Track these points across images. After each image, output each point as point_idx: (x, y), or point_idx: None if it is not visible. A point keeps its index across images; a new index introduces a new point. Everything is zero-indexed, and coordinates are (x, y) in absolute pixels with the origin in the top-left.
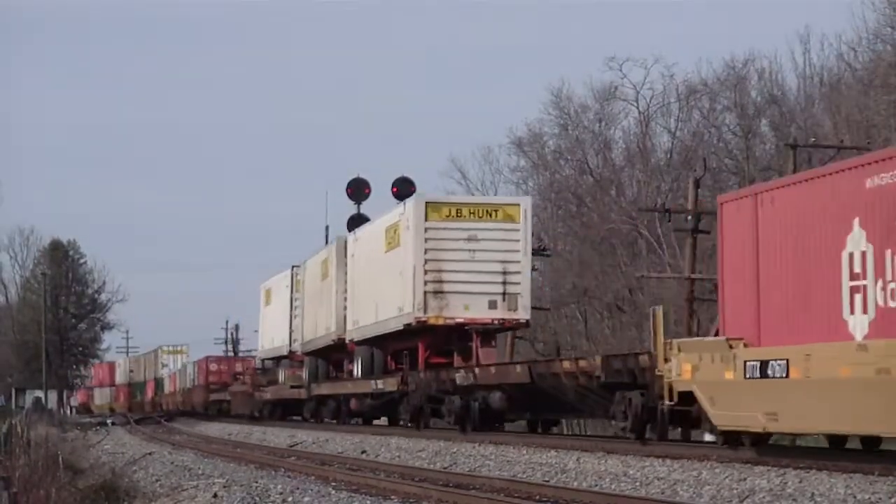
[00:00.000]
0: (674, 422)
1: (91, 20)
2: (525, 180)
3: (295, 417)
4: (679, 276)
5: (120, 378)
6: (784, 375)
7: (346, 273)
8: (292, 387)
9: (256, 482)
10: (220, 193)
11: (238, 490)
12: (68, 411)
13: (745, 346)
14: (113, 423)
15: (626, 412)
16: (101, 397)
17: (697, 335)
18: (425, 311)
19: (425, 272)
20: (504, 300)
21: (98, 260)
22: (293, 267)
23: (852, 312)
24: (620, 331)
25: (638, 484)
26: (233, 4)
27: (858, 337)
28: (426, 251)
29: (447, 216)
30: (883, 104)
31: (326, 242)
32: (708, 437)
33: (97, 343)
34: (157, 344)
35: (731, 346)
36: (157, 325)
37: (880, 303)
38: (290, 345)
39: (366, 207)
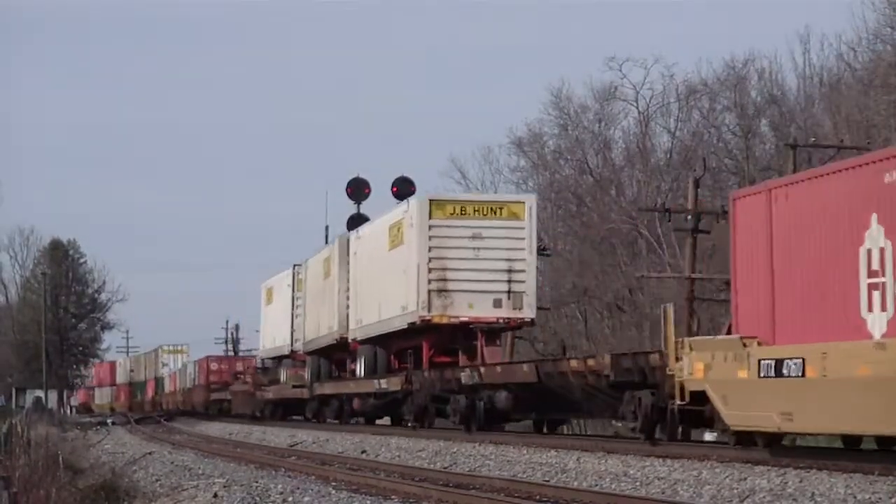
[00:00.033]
0: (684, 422)
1: (91, 20)
2: (525, 180)
3: (296, 417)
4: (679, 276)
5: (121, 377)
6: (800, 374)
7: (348, 272)
8: (294, 386)
9: (257, 482)
10: (220, 193)
11: (238, 490)
12: (68, 411)
13: (760, 344)
14: (113, 423)
15: (636, 412)
16: (101, 397)
17: (697, 335)
18: (429, 310)
19: (429, 270)
20: (509, 299)
21: (98, 260)
22: (294, 266)
23: (870, 310)
24: (620, 331)
25: (638, 484)
26: (233, 4)
27: (877, 335)
28: (430, 249)
29: (451, 214)
30: (883, 104)
31: (326, 242)
32: (708, 437)
33: (97, 343)
34: (157, 344)
35: (744, 345)
36: (157, 325)
37: None
38: (292, 344)
39: (366, 207)
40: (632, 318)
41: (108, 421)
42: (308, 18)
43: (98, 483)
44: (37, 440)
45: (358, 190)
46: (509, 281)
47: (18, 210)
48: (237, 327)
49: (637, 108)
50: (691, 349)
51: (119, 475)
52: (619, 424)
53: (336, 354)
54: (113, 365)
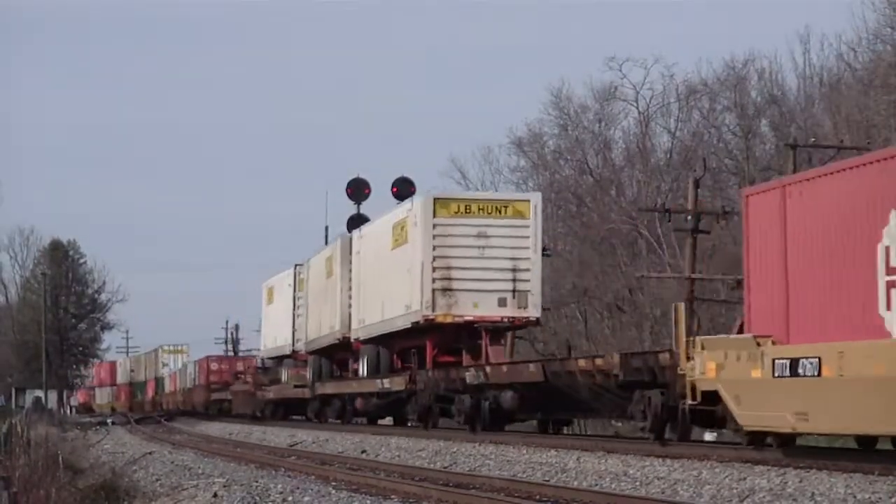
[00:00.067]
0: (695, 422)
1: (91, 20)
2: (525, 180)
3: (296, 417)
4: (679, 276)
5: (121, 377)
6: (816, 374)
7: (350, 270)
8: (296, 386)
9: (256, 482)
10: (220, 193)
11: (238, 489)
12: (68, 411)
13: (774, 343)
14: (113, 423)
15: (645, 412)
16: (102, 396)
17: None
18: (434, 309)
19: (434, 269)
20: (514, 298)
21: (98, 260)
22: (296, 265)
23: (889, 308)
24: (620, 331)
25: (638, 483)
26: (233, 4)
27: (895, 334)
28: (434, 248)
29: (456, 212)
30: (883, 104)
31: (326, 243)
32: (708, 437)
33: (97, 343)
34: (156, 344)
35: (758, 344)
36: (157, 325)
37: None
38: (294, 344)
39: (366, 207)
40: (632, 318)
41: (108, 421)
42: (308, 18)
43: (98, 483)
44: (37, 440)
45: (358, 190)
46: (514, 280)
47: (18, 210)
48: (237, 327)
49: (637, 108)
50: (703, 348)
51: (119, 475)
52: (620, 424)
53: (338, 354)
54: (113, 365)
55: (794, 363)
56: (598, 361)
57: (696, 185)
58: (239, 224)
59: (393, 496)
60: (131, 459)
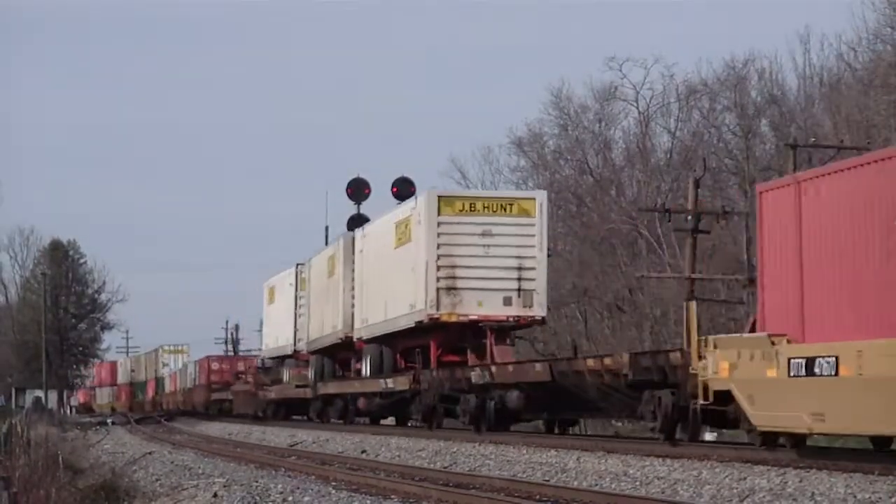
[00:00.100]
0: (707, 422)
1: (91, 20)
2: (525, 180)
3: (297, 417)
4: (679, 276)
5: (121, 378)
6: (833, 373)
7: (353, 270)
8: (297, 386)
9: (257, 482)
10: (220, 193)
11: (238, 489)
12: (68, 411)
13: (789, 342)
14: (113, 423)
15: (655, 412)
16: (102, 397)
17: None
18: (438, 308)
19: (438, 268)
20: (519, 296)
21: (98, 260)
22: (297, 265)
23: None
24: (620, 331)
25: (638, 483)
26: (233, 4)
27: None
28: (439, 246)
29: (460, 210)
30: (883, 104)
31: (326, 243)
32: (708, 437)
33: (97, 343)
34: (157, 344)
35: (773, 343)
36: (157, 325)
37: None
38: (295, 343)
39: (366, 207)
40: (632, 318)
41: (108, 421)
42: (308, 18)
43: (98, 483)
44: (37, 440)
45: (358, 190)
46: (519, 279)
47: (18, 210)
48: (237, 327)
49: (637, 108)
50: (715, 347)
51: (119, 475)
52: (620, 424)
53: (340, 354)
54: (114, 365)
55: (811, 362)
56: (607, 361)
57: (696, 185)
58: (239, 224)
59: (393, 496)
60: (131, 459)
